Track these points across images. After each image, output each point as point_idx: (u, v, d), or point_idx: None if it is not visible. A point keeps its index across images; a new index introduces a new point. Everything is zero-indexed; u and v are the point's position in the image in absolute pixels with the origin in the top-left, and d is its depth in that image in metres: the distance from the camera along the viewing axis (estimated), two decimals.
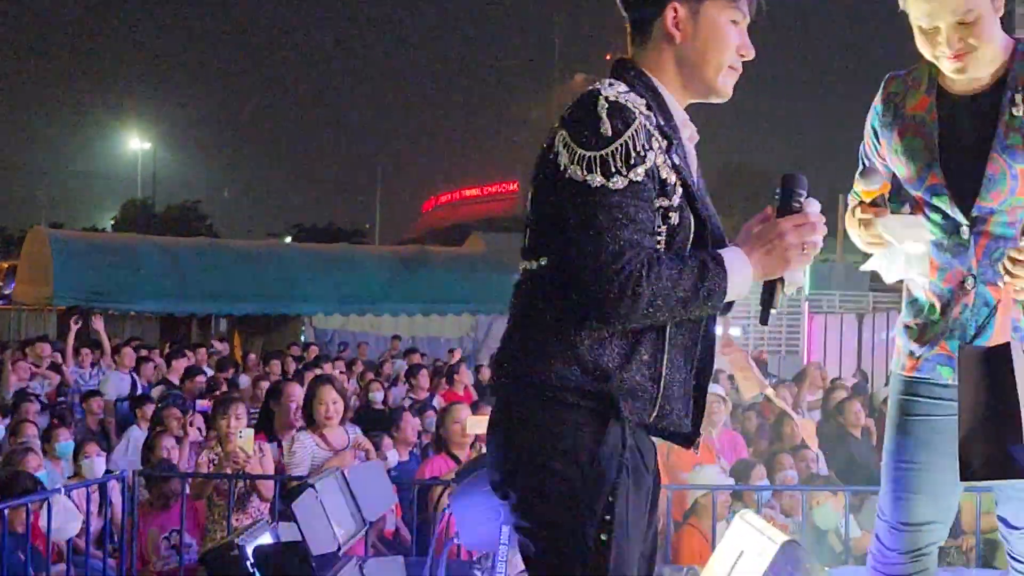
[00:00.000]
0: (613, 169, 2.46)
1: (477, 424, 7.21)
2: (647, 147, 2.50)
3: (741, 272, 2.54)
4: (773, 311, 2.64)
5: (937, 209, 3.21)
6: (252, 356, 16.76)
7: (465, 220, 56.20)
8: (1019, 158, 3.08)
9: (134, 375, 12.86)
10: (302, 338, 21.42)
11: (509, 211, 61.01)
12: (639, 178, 2.48)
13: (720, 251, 2.56)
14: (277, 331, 23.02)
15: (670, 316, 2.51)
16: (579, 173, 2.48)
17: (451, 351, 18.60)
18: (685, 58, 2.67)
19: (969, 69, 3.11)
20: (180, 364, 13.02)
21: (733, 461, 7.51)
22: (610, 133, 2.48)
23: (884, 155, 3.36)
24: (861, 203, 3.31)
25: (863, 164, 3.44)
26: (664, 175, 2.53)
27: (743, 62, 2.72)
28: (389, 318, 23.12)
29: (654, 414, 2.58)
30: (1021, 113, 3.09)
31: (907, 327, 3.39)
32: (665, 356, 2.58)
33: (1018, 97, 3.10)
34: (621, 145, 2.48)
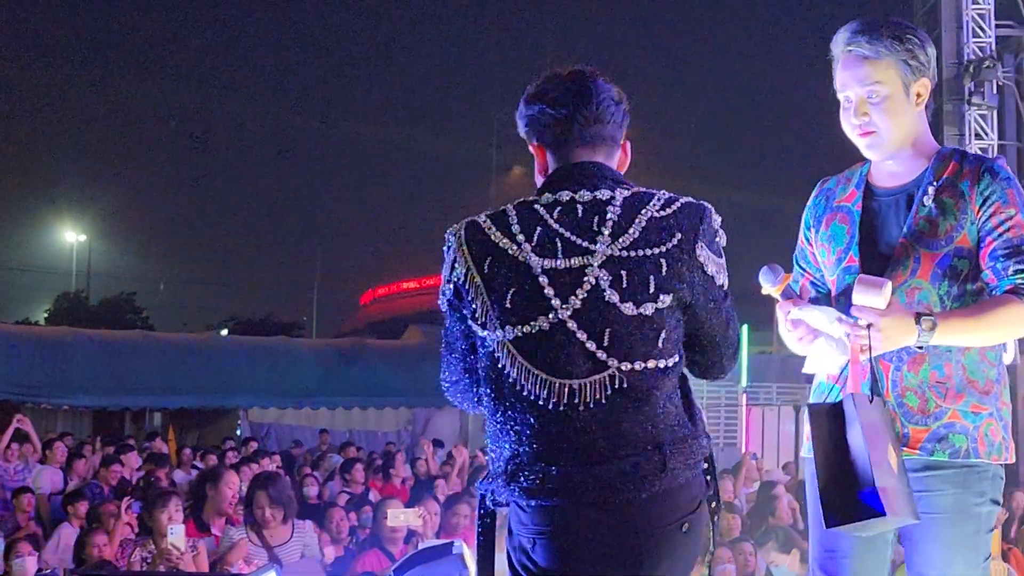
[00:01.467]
0: None
1: (409, 518, 7.17)
2: None
3: None
4: None
5: (848, 288, 3.32)
6: (187, 451, 16.54)
7: (403, 313, 56.03)
8: (923, 244, 3.26)
9: (65, 471, 12.65)
10: (238, 432, 21.21)
11: None
12: None
13: None
14: (212, 425, 22.80)
15: None
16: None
17: (388, 444, 18.51)
18: None
19: (876, 149, 3.36)
20: (115, 469, 12.75)
21: None
22: None
23: (814, 247, 3.56)
24: (777, 302, 3.39)
25: (795, 265, 3.62)
26: None
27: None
28: (326, 411, 22.97)
29: None
30: (931, 203, 3.28)
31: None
32: None
33: (931, 189, 3.29)
34: None
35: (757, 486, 12.16)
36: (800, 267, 3.63)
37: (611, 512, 2.73)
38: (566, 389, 2.77)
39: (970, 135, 20.95)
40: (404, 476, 13.29)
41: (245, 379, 22.48)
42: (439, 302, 3.02)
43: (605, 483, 2.73)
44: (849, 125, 3.37)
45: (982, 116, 21.10)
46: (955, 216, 3.25)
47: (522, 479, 2.78)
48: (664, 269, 2.80)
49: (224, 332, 46.69)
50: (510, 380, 2.81)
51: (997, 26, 21.11)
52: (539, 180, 3.04)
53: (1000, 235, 3.20)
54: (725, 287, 2.91)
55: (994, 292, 3.20)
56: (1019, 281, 3.15)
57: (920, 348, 3.14)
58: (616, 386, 2.74)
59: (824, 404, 3.24)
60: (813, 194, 3.60)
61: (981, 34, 21.00)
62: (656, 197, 2.88)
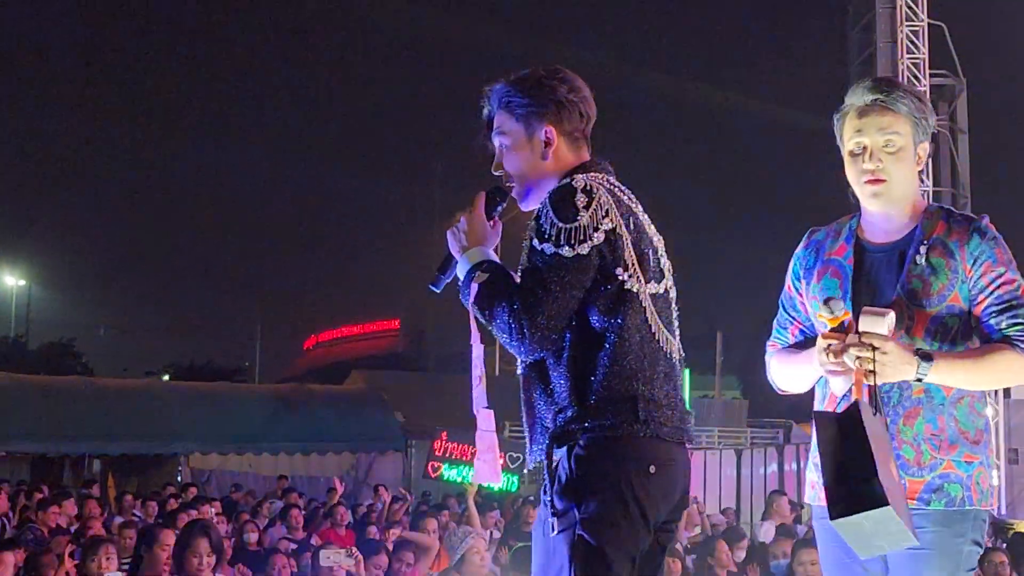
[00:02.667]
0: None
1: (340, 559, 7.16)
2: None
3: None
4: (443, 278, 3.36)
5: None
6: (128, 497, 16.30)
7: (346, 358, 55.90)
8: (917, 302, 3.35)
9: (4, 519, 12.48)
10: (178, 478, 20.99)
11: (390, 349, 60.90)
12: None
13: None
14: (153, 471, 22.54)
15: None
16: None
17: (330, 490, 18.36)
18: None
19: (881, 198, 3.44)
20: (52, 513, 12.58)
21: None
22: None
23: (804, 297, 3.62)
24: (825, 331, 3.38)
25: (782, 310, 3.71)
26: None
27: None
28: (268, 457, 22.80)
29: None
30: (923, 262, 3.37)
31: (815, 462, 3.55)
32: None
33: (922, 248, 3.38)
34: None
35: (697, 531, 12.22)
36: (788, 314, 3.70)
37: None
38: (675, 344, 3.28)
39: None
40: (346, 522, 13.21)
41: (186, 425, 22.27)
42: (568, 248, 3.09)
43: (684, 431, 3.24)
44: (858, 171, 3.45)
45: None
46: (946, 275, 3.35)
47: (660, 418, 3.14)
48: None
49: (165, 378, 46.28)
50: (651, 328, 3.18)
51: (931, 75, 21.47)
52: (551, 160, 3.35)
53: (992, 292, 3.33)
54: None
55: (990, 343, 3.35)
56: (1013, 333, 3.29)
57: (919, 381, 3.22)
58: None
59: (831, 412, 3.33)
60: (802, 244, 3.67)
61: (916, 83, 21.31)
62: None
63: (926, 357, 3.19)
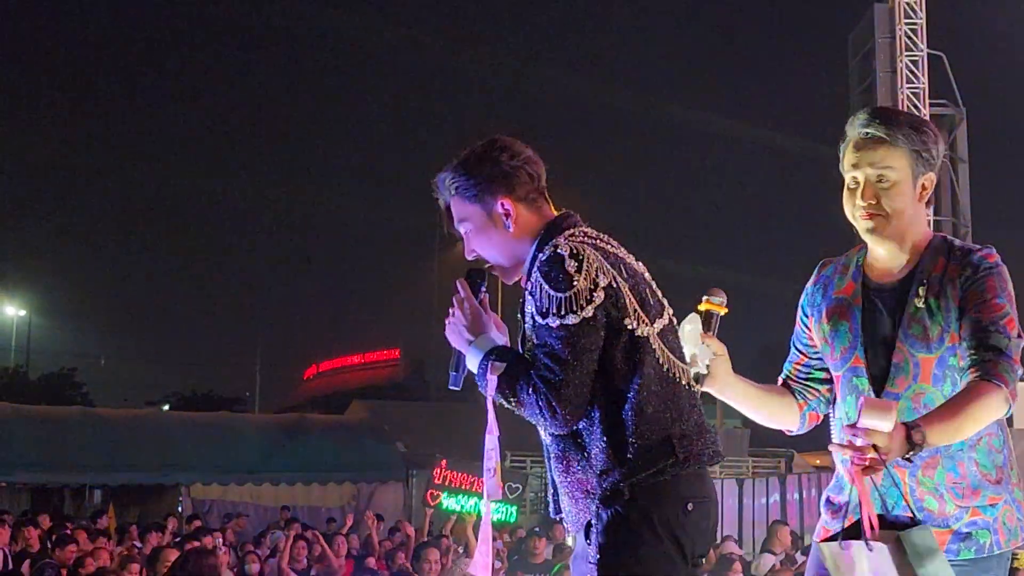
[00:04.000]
0: None
1: None
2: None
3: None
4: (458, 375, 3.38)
5: (856, 389, 3.36)
6: (134, 529, 16.20)
7: (347, 388, 55.82)
8: (919, 347, 3.27)
9: (6, 550, 12.43)
10: (179, 508, 20.94)
11: (391, 378, 60.81)
12: None
13: None
14: (154, 501, 22.48)
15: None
16: None
17: (330, 520, 18.34)
18: None
19: (876, 234, 3.34)
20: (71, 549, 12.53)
21: None
22: None
23: (812, 333, 3.56)
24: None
25: (792, 346, 3.68)
26: None
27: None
28: (269, 487, 22.73)
29: None
30: (922, 304, 3.28)
31: (828, 500, 3.52)
32: None
33: (922, 290, 3.30)
34: None
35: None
36: (796, 349, 3.66)
37: None
38: (687, 372, 3.31)
39: None
40: (344, 553, 13.18)
41: (187, 455, 22.24)
42: (573, 316, 3.11)
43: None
44: (852, 206, 3.37)
45: None
46: (943, 316, 3.25)
47: (697, 450, 3.20)
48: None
49: (166, 407, 46.24)
50: (664, 368, 3.22)
51: (931, 104, 21.56)
52: (515, 229, 3.37)
53: (970, 316, 3.21)
54: None
55: (963, 375, 3.20)
56: (977, 358, 3.15)
57: (908, 460, 3.04)
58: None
59: (831, 547, 3.08)
60: (812, 280, 3.61)
61: (916, 112, 21.39)
62: None
63: (917, 434, 2.97)
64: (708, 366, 3.46)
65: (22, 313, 56.51)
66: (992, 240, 3.42)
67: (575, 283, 3.10)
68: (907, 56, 21.66)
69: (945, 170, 21.64)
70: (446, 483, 13.35)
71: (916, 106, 21.48)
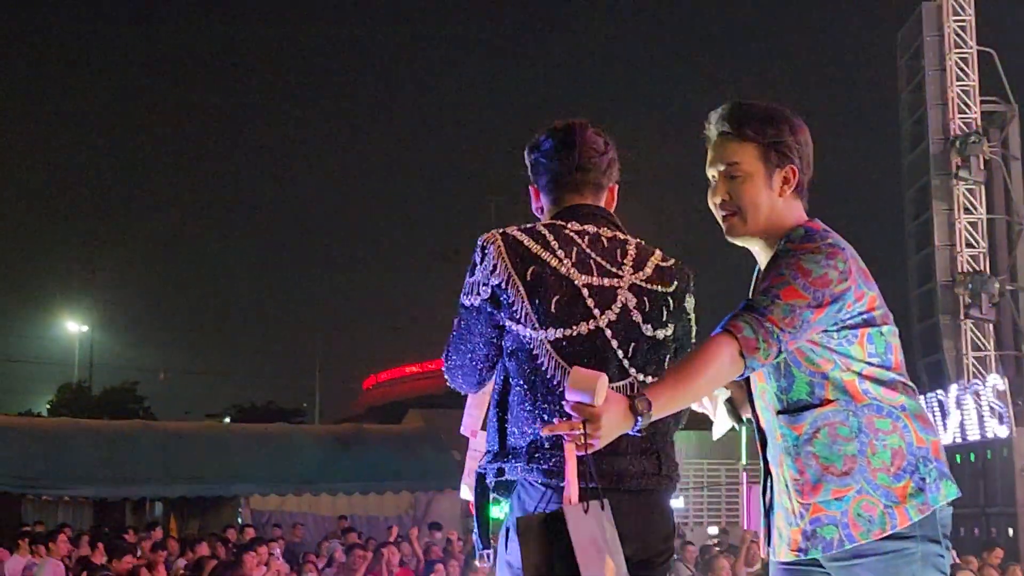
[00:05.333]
0: None
1: None
2: None
3: None
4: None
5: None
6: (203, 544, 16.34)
7: (404, 397, 55.95)
8: None
9: (66, 562, 12.66)
10: (238, 520, 21.15)
11: (447, 388, 60.79)
12: None
13: None
14: (213, 513, 22.71)
15: None
16: None
17: (388, 529, 18.46)
18: None
19: (732, 231, 3.30)
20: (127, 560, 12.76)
21: None
22: None
23: None
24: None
25: None
26: None
27: None
28: (327, 497, 22.89)
29: None
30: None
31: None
32: None
33: (754, 282, 3.27)
34: None
35: (758, 567, 12.18)
36: None
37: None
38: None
39: (959, 209, 21.12)
40: (396, 562, 13.30)
41: (246, 466, 22.45)
42: (466, 299, 3.32)
43: (614, 474, 3.16)
44: (712, 204, 3.33)
45: (970, 190, 21.26)
46: None
47: (542, 462, 3.16)
48: (671, 305, 3.34)
49: (226, 420, 46.61)
50: (547, 375, 3.20)
51: (982, 102, 21.39)
52: (539, 216, 3.53)
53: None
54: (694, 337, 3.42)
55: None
56: (724, 320, 3.02)
57: (640, 433, 2.91)
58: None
59: (534, 516, 3.03)
60: None
61: (967, 110, 21.25)
62: (657, 250, 3.41)
63: (641, 403, 2.86)
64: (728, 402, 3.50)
65: (84, 329, 57.22)
66: None
67: (474, 273, 3.31)
68: (956, 53, 21.51)
69: (997, 168, 21.46)
70: None
71: (967, 104, 21.32)
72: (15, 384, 57.58)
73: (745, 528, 20.33)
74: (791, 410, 3.18)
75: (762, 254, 3.31)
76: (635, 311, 3.27)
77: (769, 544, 3.34)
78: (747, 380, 3.32)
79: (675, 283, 3.36)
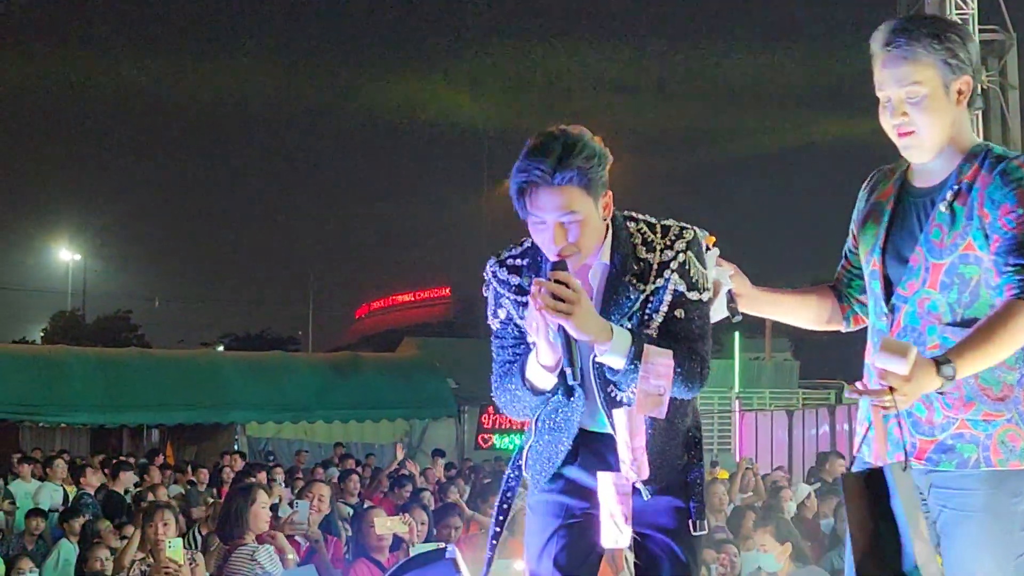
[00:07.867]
0: None
1: (395, 526, 7.21)
2: None
3: None
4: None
5: (873, 293, 3.34)
6: (203, 471, 16.37)
7: (398, 326, 56.07)
8: (935, 252, 3.19)
9: (65, 488, 12.73)
10: (235, 447, 21.26)
11: (442, 316, 61.06)
12: None
13: None
14: (210, 440, 22.83)
15: None
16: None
17: (369, 456, 18.59)
18: None
19: (913, 150, 3.26)
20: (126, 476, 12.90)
21: None
22: None
23: (857, 240, 3.50)
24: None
25: (843, 254, 3.62)
26: None
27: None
28: (323, 425, 23.02)
29: None
30: (946, 210, 3.18)
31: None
32: None
33: (949, 194, 3.20)
34: None
35: (751, 494, 12.28)
36: (844, 255, 3.62)
37: None
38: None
39: None
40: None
41: (242, 394, 22.56)
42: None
43: None
44: (888, 125, 3.27)
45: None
46: (962, 223, 3.15)
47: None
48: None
49: (220, 348, 46.70)
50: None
51: (980, 30, 21.22)
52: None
53: (1005, 232, 3.08)
54: None
55: (999, 294, 3.11)
56: (1012, 275, 3.04)
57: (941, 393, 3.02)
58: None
59: (859, 474, 3.02)
60: (863, 185, 3.53)
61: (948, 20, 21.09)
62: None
63: (947, 369, 2.91)
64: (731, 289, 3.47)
65: (77, 257, 57.15)
66: None
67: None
68: None
69: (995, 97, 21.38)
70: (495, 427, 13.44)
71: None
72: (8, 313, 57.66)
73: (739, 455, 20.54)
74: (964, 324, 3.15)
75: (937, 165, 3.27)
76: None
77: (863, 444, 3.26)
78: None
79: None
